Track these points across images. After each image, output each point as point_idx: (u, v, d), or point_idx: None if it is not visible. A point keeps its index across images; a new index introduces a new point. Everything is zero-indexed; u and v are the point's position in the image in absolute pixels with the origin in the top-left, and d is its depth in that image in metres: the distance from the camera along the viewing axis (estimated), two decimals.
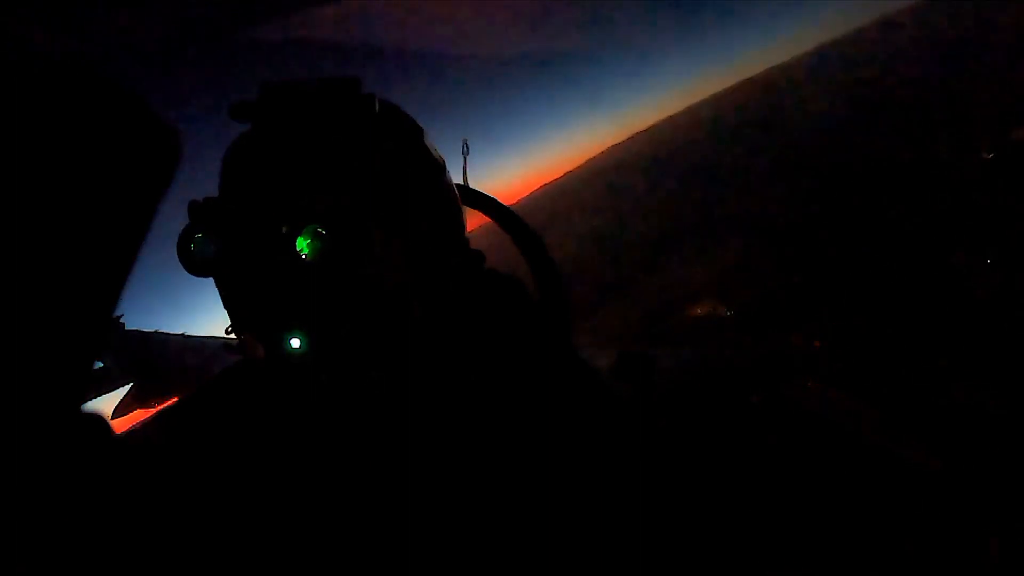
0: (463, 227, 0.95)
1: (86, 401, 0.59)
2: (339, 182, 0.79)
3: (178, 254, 0.78)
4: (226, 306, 0.82)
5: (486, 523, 0.78)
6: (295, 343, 0.76)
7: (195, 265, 0.78)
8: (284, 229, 0.74)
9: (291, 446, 0.87)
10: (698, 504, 0.87)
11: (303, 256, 0.74)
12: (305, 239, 0.74)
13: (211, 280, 0.82)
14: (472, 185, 1.51)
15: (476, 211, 1.42)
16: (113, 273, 0.54)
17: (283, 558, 0.82)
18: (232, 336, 0.82)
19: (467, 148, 1.60)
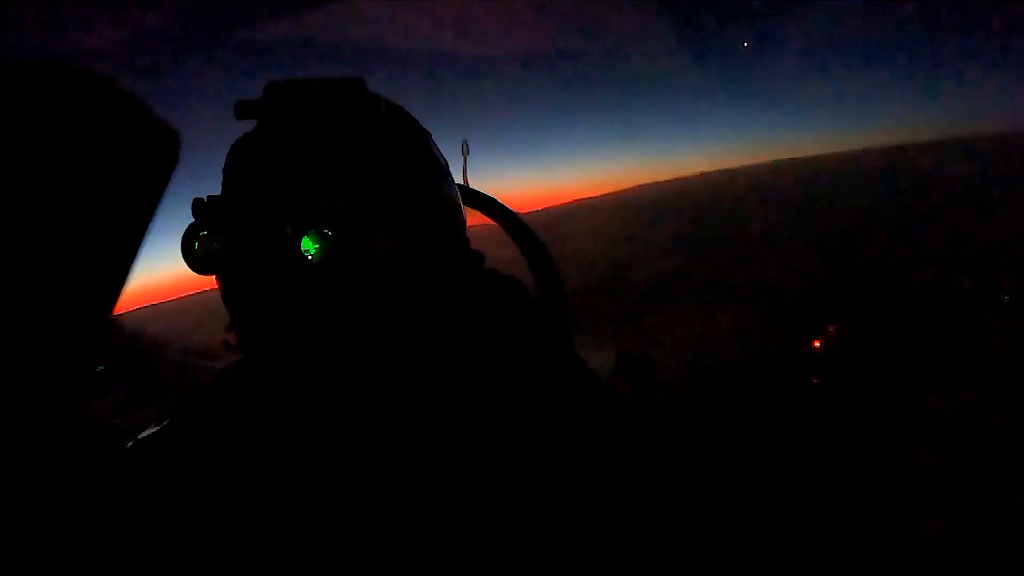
0: (464, 228, 0.95)
1: (86, 402, 0.59)
2: (342, 182, 0.79)
3: (182, 251, 0.78)
4: (226, 303, 0.82)
5: (485, 524, 0.78)
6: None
7: (198, 262, 0.78)
8: (288, 230, 0.75)
9: (291, 446, 0.87)
10: (699, 505, 0.87)
11: (309, 257, 0.74)
12: (311, 240, 0.74)
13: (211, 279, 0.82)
14: (472, 187, 1.51)
15: (476, 211, 1.43)
16: (112, 274, 0.54)
17: (283, 559, 0.82)
18: (232, 334, 0.82)
19: (467, 148, 1.60)
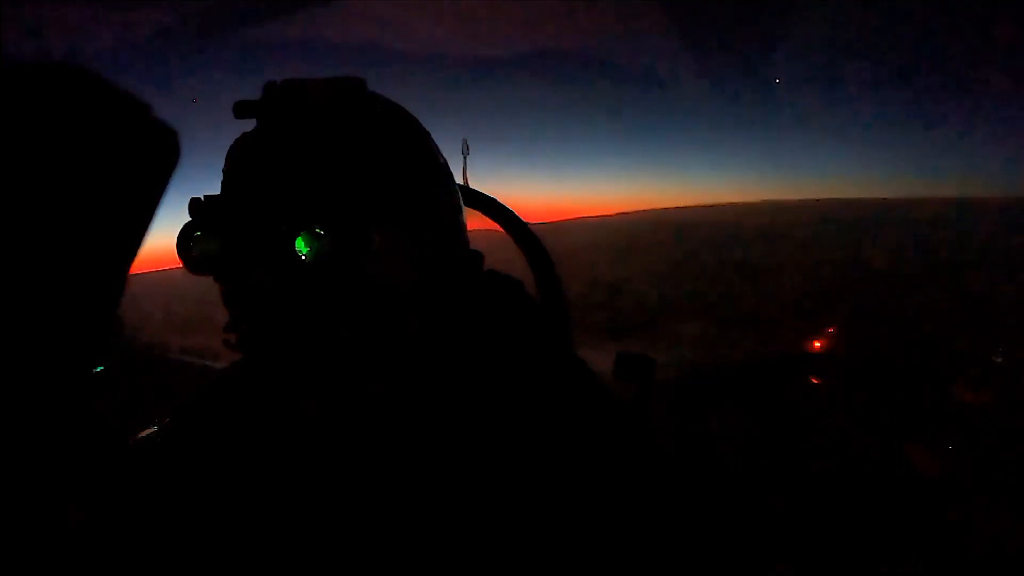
0: (463, 229, 0.94)
1: (88, 402, 0.59)
2: (341, 183, 0.79)
3: (177, 251, 0.78)
4: (226, 303, 0.82)
5: (483, 524, 0.78)
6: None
7: (194, 262, 0.78)
8: (284, 227, 0.75)
9: (290, 446, 0.87)
10: (700, 505, 0.87)
11: (302, 257, 0.74)
12: (304, 240, 0.74)
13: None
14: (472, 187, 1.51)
15: (476, 213, 1.43)
16: (112, 274, 0.54)
17: (282, 558, 0.82)
18: (231, 334, 0.82)
19: (467, 148, 1.60)
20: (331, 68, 0.83)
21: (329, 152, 0.79)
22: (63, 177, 0.49)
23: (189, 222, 0.78)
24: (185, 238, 0.78)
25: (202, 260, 0.78)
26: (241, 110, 0.83)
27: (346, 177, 0.79)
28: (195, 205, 0.79)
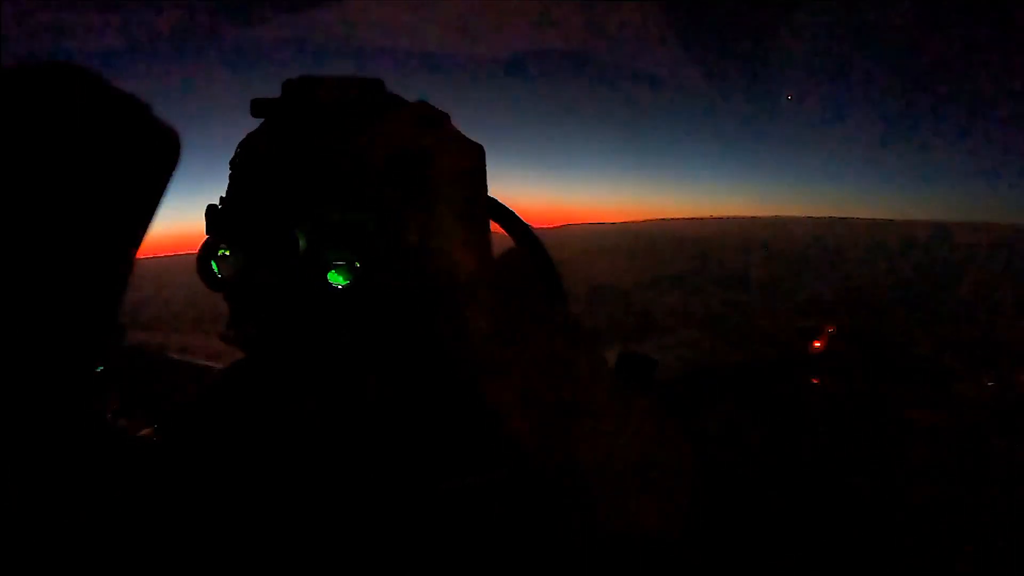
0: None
1: (88, 402, 0.59)
2: (363, 188, 0.77)
3: (198, 268, 0.74)
4: (228, 301, 0.81)
5: (492, 520, 0.78)
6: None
7: (217, 282, 0.74)
8: (303, 243, 0.72)
9: (291, 447, 0.87)
10: (700, 504, 0.87)
11: (339, 287, 0.72)
12: (339, 275, 0.72)
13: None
14: None
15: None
16: (113, 274, 0.54)
17: (283, 559, 0.82)
18: (231, 330, 0.81)
19: None
20: (329, 68, 0.81)
21: (351, 159, 0.75)
22: (63, 177, 0.49)
23: (210, 238, 0.74)
24: (207, 255, 0.73)
25: (227, 280, 0.74)
26: (258, 108, 0.80)
27: (367, 181, 0.77)
28: (212, 213, 0.76)
